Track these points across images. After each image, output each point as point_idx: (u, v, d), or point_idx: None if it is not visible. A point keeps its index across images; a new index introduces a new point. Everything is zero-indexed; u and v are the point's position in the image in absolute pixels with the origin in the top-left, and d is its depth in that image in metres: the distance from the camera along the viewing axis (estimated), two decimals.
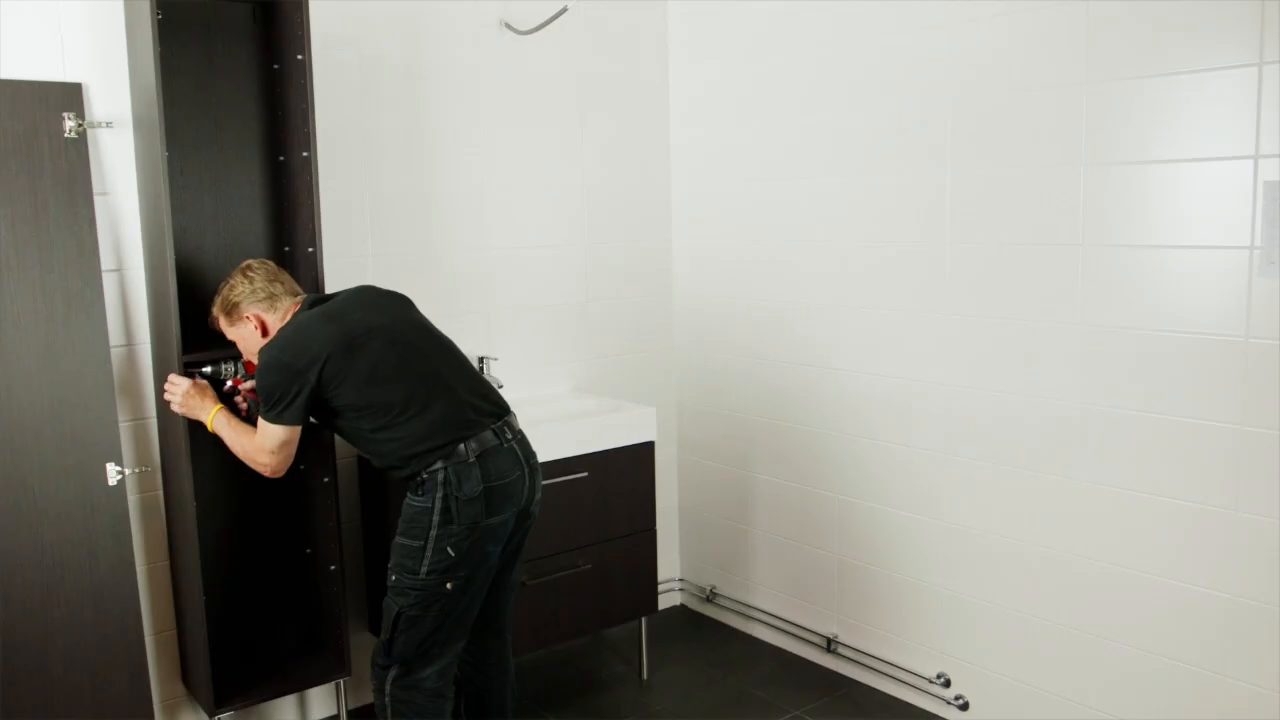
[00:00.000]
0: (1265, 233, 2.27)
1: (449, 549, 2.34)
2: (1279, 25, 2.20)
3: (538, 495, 2.53)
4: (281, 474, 2.48)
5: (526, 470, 2.46)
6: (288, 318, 2.47)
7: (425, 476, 2.36)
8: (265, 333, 2.48)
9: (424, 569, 2.35)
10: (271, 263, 2.57)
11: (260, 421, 2.39)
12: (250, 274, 2.50)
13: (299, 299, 2.52)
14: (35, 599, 2.49)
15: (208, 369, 2.61)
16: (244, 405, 2.62)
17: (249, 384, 2.62)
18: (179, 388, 2.54)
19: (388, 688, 2.44)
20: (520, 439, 2.49)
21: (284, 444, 2.39)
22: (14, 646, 2.47)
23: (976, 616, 2.96)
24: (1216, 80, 2.31)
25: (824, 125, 3.20)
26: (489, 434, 2.40)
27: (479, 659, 2.64)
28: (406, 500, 2.40)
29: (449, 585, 2.36)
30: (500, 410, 2.48)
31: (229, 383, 2.64)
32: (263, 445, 2.40)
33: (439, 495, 2.34)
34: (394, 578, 2.40)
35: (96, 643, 2.57)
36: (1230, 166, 2.31)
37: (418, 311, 2.56)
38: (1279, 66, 2.21)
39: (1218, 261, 2.36)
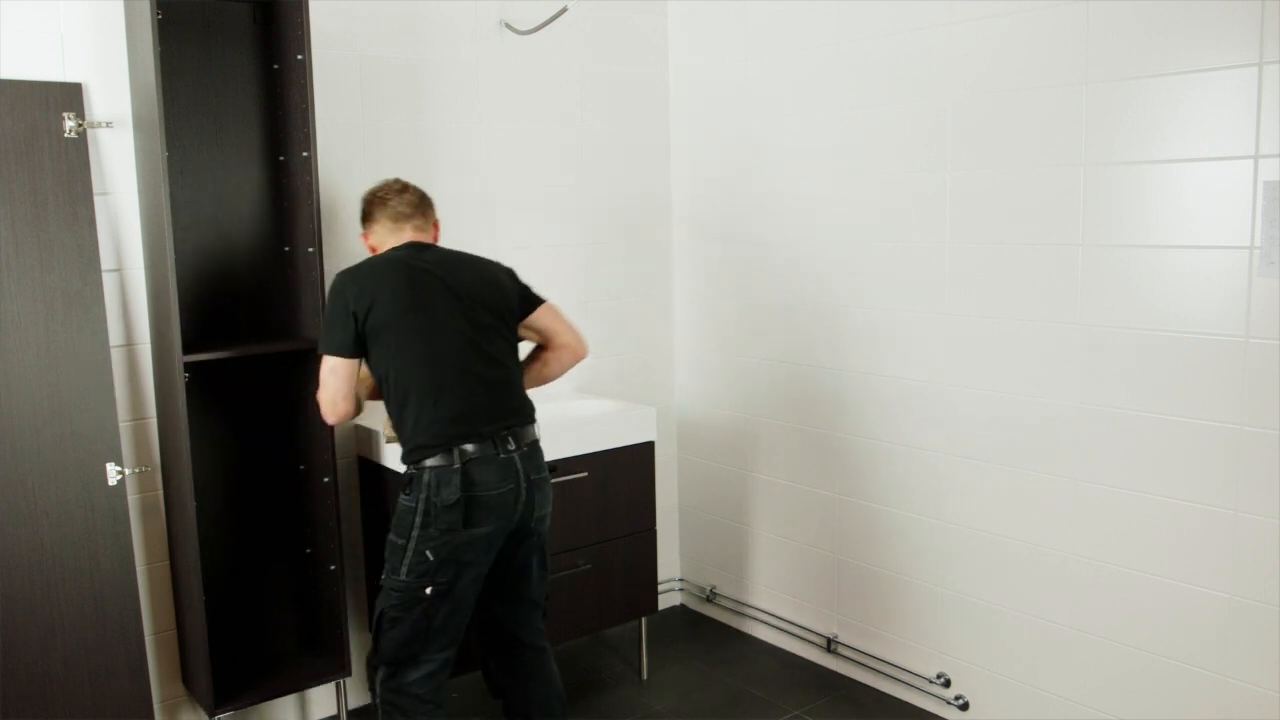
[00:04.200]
0: (1265, 233, 2.27)
1: (427, 553, 2.31)
2: (1279, 25, 2.20)
3: (539, 512, 2.45)
4: (334, 418, 2.40)
5: (524, 485, 2.40)
6: (398, 241, 2.48)
7: (415, 473, 2.34)
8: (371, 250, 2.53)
9: (404, 569, 2.33)
10: (421, 190, 2.57)
11: None
12: (404, 194, 2.52)
13: (418, 235, 2.51)
14: (35, 599, 2.49)
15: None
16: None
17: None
18: None
19: (378, 687, 2.44)
20: (525, 453, 2.41)
21: (331, 372, 2.35)
22: (14, 646, 2.47)
23: (976, 616, 2.96)
24: (1216, 80, 2.31)
25: (824, 125, 3.19)
26: (487, 443, 2.35)
27: (511, 670, 2.59)
28: (399, 497, 2.39)
29: (427, 590, 2.33)
30: (514, 420, 2.41)
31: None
32: (320, 377, 2.38)
33: (422, 496, 2.32)
34: (383, 576, 2.39)
35: (96, 643, 2.57)
36: (1230, 166, 2.31)
37: (502, 299, 2.49)
38: (1279, 66, 2.21)
39: (1217, 261, 2.36)
